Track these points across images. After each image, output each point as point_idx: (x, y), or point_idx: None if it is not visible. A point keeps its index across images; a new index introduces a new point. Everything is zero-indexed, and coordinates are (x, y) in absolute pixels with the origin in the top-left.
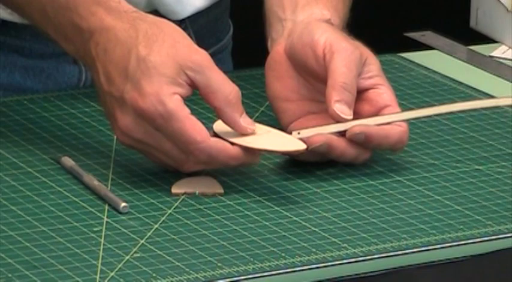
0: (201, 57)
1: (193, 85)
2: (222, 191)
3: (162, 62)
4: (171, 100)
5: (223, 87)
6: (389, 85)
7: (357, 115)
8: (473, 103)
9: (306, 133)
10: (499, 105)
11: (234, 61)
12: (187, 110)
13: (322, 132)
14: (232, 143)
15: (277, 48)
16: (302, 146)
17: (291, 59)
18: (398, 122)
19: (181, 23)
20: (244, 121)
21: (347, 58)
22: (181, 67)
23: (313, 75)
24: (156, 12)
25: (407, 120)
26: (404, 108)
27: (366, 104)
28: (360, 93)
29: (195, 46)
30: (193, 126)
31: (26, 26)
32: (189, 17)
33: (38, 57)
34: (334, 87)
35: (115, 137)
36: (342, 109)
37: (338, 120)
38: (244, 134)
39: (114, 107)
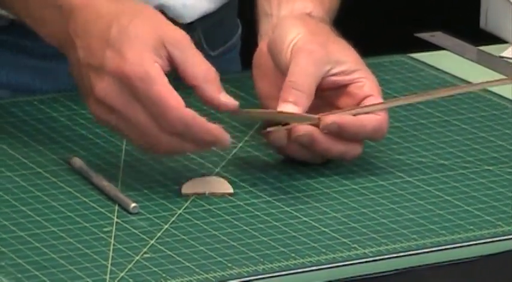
0: (181, 35)
1: (171, 61)
2: (231, 191)
3: (144, 32)
4: (152, 66)
5: (202, 65)
6: (372, 77)
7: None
8: (450, 89)
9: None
10: (476, 89)
11: (243, 61)
12: (166, 79)
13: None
14: None
15: (261, 46)
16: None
17: (272, 60)
18: (376, 111)
19: (190, 24)
20: (225, 97)
21: (304, 58)
22: (162, 41)
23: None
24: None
25: (385, 109)
26: (412, 108)
27: (348, 98)
28: (342, 89)
29: (175, 26)
30: (171, 93)
31: None
32: (196, 20)
33: (46, 57)
34: (284, 87)
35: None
36: (285, 109)
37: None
38: (226, 111)
39: (90, 77)
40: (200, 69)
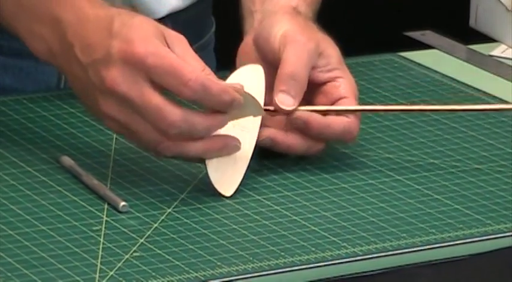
0: (180, 35)
1: None
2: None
3: (147, 25)
4: (161, 44)
5: (200, 62)
6: (350, 77)
7: None
8: (448, 107)
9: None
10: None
11: (219, 59)
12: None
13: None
14: None
15: (247, 40)
16: None
17: (257, 52)
18: (347, 114)
19: (160, 20)
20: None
21: (298, 49)
22: (164, 35)
23: (275, 69)
24: (133, 10)
25: (356, 111)
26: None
27: (323, 97)
28: (318, 86)
29: None
30: (183, 62)
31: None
32: (167, 15)
33: (16, 56)
34: (280, 76)
35: (114, 136)
36: (282, 99)
37: (280, 111)
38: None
39: (99, 71)
40: (200, 64)
